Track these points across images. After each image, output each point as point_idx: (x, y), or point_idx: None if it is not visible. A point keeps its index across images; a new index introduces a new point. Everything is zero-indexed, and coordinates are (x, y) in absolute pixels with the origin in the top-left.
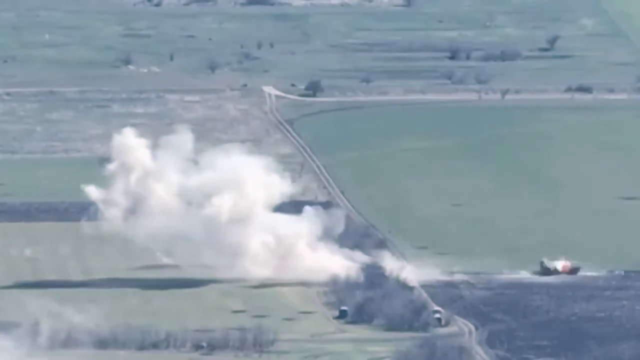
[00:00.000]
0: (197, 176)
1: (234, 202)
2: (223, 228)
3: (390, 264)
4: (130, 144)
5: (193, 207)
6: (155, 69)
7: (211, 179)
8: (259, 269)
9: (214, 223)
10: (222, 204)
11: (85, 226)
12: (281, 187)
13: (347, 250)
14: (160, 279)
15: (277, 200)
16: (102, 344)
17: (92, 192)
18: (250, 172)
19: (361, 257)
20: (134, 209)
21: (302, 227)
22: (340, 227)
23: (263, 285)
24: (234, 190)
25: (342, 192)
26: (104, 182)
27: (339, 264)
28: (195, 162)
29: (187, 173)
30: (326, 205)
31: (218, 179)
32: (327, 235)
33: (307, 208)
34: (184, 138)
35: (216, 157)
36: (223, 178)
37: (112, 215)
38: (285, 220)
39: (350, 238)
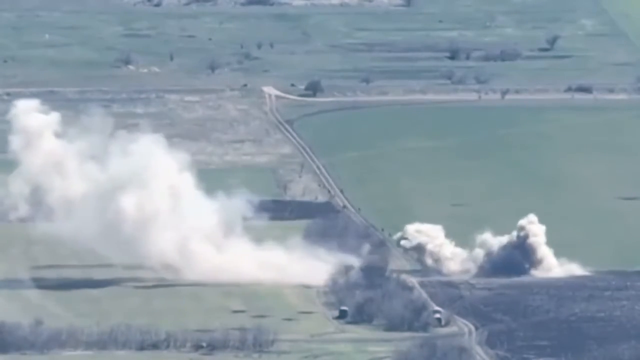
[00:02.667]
0: (104, 168)
1: (139, 199)
2: (126, 227)
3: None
4: (32, 124)
5: (96, 202)
6: (155, 69)
7: (118, 172)
8: (161, 270)
9: (116, 222)
10: (127, 201)
11: None
12: (190, 183)
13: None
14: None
15: (186, 198)
16: (102, 344)
17: None
18: (159, 168)
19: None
20: (36, 201)
21: (208, 224)
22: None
23: (263, 285)
24: (139, 186)
25: (342, 192)
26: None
27: (262, 262)
28: (106, 150)
29: (98, 161)
30: (326, 205)
31: (125, 172)
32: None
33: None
34: (99, 120)
35: (128, 146)
36: (130, 172)
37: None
38: (192, 217)
39: (351, 238)
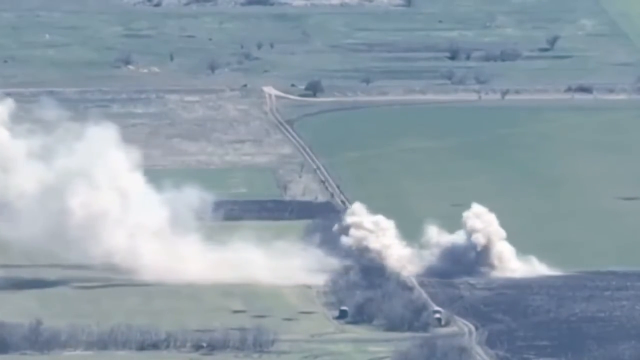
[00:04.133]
0: (51, 164)
1: (86, 197)
2: (73, 226)
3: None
4: None
5: (42, 200)
6: (155, 69)
7: (65, 169)
8: (108, 270)
9: (63, 221)
10: (74, 199)
11: None
12: (140, 180)
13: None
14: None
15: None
16: (102, 344)
17: None
18: (107, 164)
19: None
20: None
21: (157, 222)
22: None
23: (263, 285)
24: (87, 184)
25: (342, 192)
26: None
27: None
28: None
29: (45, 157)
30: (326, 206)
31: (73, 169)
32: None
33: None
34: (51, 113)
35: (76, 142)
36: (78, 168)
37: None
38: (141, 215)
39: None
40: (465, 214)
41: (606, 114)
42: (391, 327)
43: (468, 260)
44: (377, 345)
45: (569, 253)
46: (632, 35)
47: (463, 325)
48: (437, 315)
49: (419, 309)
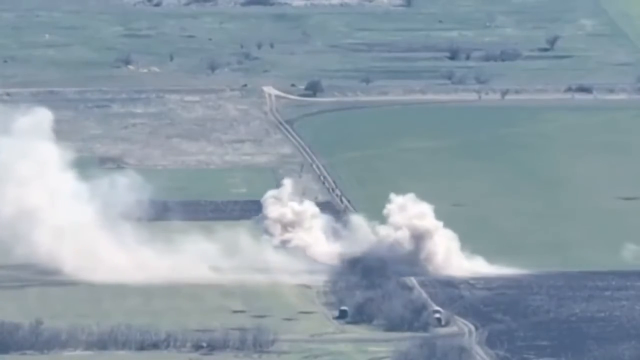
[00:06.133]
0: None
1: (14, 195)
2: (6, 223)
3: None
4: None
5: None
6: (155, 69)
7: None
8: (35, 269)
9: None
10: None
11: None
12: (71, 177)
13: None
14: None
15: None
16: (102, 344)
17: None
18: (36, 161)
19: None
20: None
21: (85, 221)
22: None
23: (263, 285)
24: (15, 182)
25: (342, 192)
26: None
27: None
28: None
29: None
30: (326, 206)
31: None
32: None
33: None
34: None
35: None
36: (2, 164)
37: None
38: (69, 214)
39: None
40: (388, 207)
41: (606, 114)
42: (391, 327)
43: (394, 258)
44: (377, 345)
45: (569, 253)
46: (632, 35)
47: (463, 325)
48: (437, 315)
49: (419, 309)
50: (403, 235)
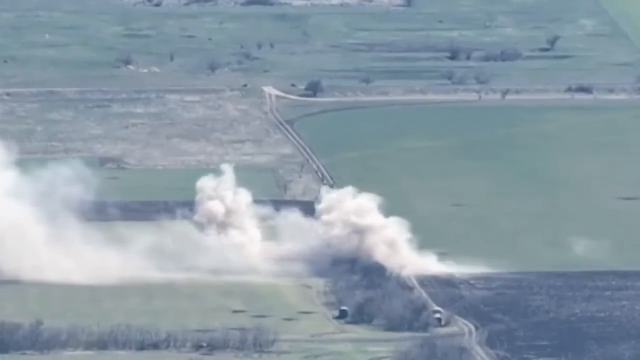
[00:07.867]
0: None
1: None
2: None
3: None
4: None
5: None
6: (155, 69)
7: None
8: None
9: None
10: None
11: None
12: (11, 175)
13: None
14: None
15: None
16: (102, 344)
17: None
18: None
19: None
20: None
21: (25, 220)
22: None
23: (263, 285)
24: None
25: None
26: None
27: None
28: None
29: None
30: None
31: None
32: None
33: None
34: None
35: None
36: None
37: None
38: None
39: None
40: (319, 207)
41: (606, 113)
42: (391, 327)
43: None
44: (377, 345)
45: (569, 253)
46: (632, 35)
47: (463, 325)
48: (437, 315)
49: (419, 309)
50: (341, 232)
